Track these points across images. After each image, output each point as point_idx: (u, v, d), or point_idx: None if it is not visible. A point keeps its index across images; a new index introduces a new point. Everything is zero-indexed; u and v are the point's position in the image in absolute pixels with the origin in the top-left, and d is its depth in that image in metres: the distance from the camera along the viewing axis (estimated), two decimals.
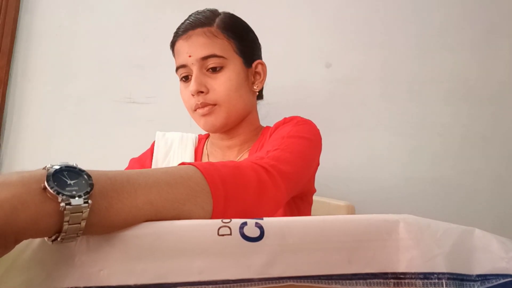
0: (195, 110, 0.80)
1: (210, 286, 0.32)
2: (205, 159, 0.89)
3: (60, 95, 1.37)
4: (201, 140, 0.95)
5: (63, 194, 0.31)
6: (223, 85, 0.77)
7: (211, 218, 0.44)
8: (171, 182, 0.42)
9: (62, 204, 0.31)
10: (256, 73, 0.85)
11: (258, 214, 0.51)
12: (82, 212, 0.32)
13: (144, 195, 0.37)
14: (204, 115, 0.79)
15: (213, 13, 0.81)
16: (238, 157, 0.85)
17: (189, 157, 0.89)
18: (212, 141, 0.90)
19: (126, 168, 0.92)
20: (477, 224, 0.35)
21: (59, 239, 0.32)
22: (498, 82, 1.20)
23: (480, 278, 0.32)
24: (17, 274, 0.32)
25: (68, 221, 0.31)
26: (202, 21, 0.79)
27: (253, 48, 0.85)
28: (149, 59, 1.33)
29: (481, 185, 1.17)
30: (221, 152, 0.87)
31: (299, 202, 0.75)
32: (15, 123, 1.37)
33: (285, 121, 0.79)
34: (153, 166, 0.90)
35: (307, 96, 1.26)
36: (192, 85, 0.77)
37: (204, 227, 0.34)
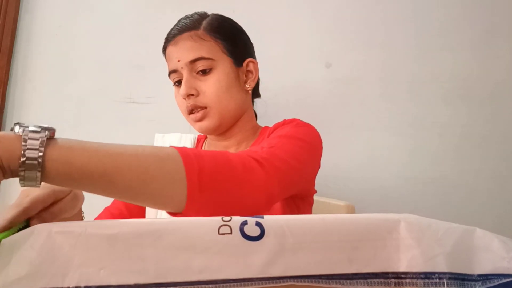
0: (189, 114, 0.81)
1: (210, 286, 0.32)
2: None
3: (60, 95, 1.37)
4: (200, 141, 0.95)
5: (23, 126, 0.38)
6: (212, 87, 0.77)
7: (188, 187, 0.44)
8: (139, 149, 0.45)
9: (20, 129, 0.38)
10: (248, 71, 0.84)
11: (247, 200, 0.51)
12: (38, 139, 0.37)
13: (105, 150, 0.41)
14: (197, 120, 0.80)
15: (201, 16, 0.82)
16: None
17: None
18: (209, 141, 0.91)
19: None
20: (477, 223, 0.35)
21: (20, 164, 0.36)
22: (497, 82, 1.20)
23: (481, 278, 0.32)
24: (17, 273, 0.32)
25: (25, 145, 0.37)
26: (188, 25, 0.80)
27: (243, 47, 0.85)
28: (149, 59, 1.33)
29: (481, 185, 1.17)
30: None
31: (299, 202, 0.75)
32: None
33: (285, 123, 0.79)
34: None
35: (307, 96, 1.26)
36: (182, 88, 0.78)
37: (205, 226, 0.34)
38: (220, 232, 0.34)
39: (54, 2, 1.41)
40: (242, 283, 0.32)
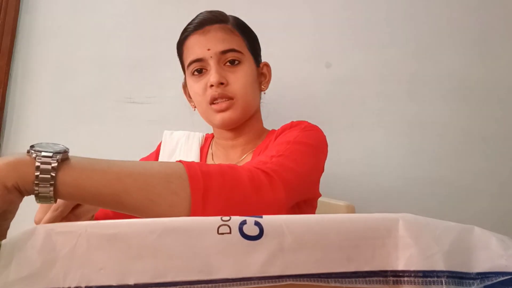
0: (212, 103, 0.80)
1: (210, 285, 0.32)
2: (209, 159, 0.89)
3: (60, 95, 1.37)
4: (207, 139, 0.94)
5: (37, 150, 0.40)
6: (241, 78, 0.79)
7: (191, 206, 0.46)
8: (147, 167, 0.47)
9: (34, 155, 0.40)
10: (262, 74, 0.87)
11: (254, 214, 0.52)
12: (50, 165, 0.40)
13: (115, 172, 0.43)
14: (220, 110, 0.79)
15: (225, 13, 0.84)
16: (242, 158, 0.84)
17: (194, 155, 0.90)
18: (216, 141, 0.90)
19: None
20: (478, 224, 0.35)
21: (35, 188, 0.39)
22: (498, 82, 1.20)
23: (479, 276, 0.32)
24: (18, 273, 0.32)
25: (39, 170, 0.39)
26: (218, 17, 0.81)
27: (259, 49, 0.88)
28: (149, 59, 1.33)
29: (480, 185, 1.17)
30: (224, 152, 0.87)
31: (302, 206, 0.75)
32: (15, 123, 1.37)
33: (292, 125, 0.79)
34: None
35: (307, 96, 1.26)
36: (214, 76, 0.77)
37: (204, 226, 0.34)
38: (220, 231, 0.34)
39: (54, 2, 1.41)
40: (241, 283, 0.32)
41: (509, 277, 0.31)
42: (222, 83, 0.78)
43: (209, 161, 0.89)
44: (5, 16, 1.37)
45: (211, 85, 0.78)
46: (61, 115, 1.36)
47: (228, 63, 0.79)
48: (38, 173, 0.39)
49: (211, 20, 0.80)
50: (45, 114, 1.37)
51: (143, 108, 1.33)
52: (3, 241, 0.34)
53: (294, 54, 1.28)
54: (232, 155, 0.86)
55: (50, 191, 0.40)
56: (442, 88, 1.22)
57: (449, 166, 1.19)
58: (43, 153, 0.40)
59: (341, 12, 1.28)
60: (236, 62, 0.79)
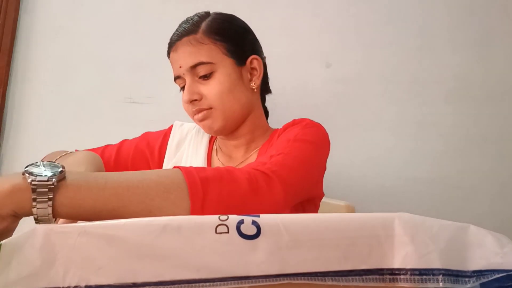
0: (193, 117, 0.81)
1: (208, 284, 0.32)
2: (214, 154, 0.90)
3: (60, 95, 1.37)
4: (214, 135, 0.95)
5: (33, 174, 0.40)
6: (214, 89, 0.77)
7: (190, 214, 0.46)
8: (145, 178, 0.46)
9: (29, 179, 0.40)
10: (252, 69, 0.83)
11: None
12: (47, 188, 0.40)
13: (112, 188, 0.43)
14: (201, 120, 0.80)
15: (200, 18, 0.81)
16: (246, 157, 0.84)
17: (203, 148, 0.90)
18: (220, 140, 0.90)
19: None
20: (478, 224, 0.35)
21: (33, 212, 0.39)
22: (498, 82, 1.20)
23: (475, 274, 0.32)
24: (18, 273, 0.32)
25: (35, 194, 0.39)
26: (187, 29, 0.79)
27: (246, 45, 0.83)
28: (149, 59, 1.34)
29: (481, 185, 1.17)
30: (227, 150, 0.87)
31: (306, 205, 0.74)
32: (15, 123, 1.38)
33: (294, 123, 0.78)
34: (167, 154, 0.90)
35: (307, 96, 1.26)
36: (185, 94, 0.78)
37: (202, 225, 0.34)
38: (217, 231, 0.34)
39: (54, 2, 1.41)
40: (239, 281, 0.32)
41: (505, 274, 0.32)
42: (195, 100, 0.78)
43: (214, 156, 0.89)
44: (5, 16, 1.38)
45: (187, 103, 0.80)
46: (61, 115, 1.36)
47: (201, 77, 0.78)
48: (35, 196, 0.39)
49: (181, 34, 0.79)
50: (45, 114, 1.37)
51: (143, 108, 1.34)
52: (3, 241, 0.34)
53: (294, 54, 1.28)
54: (235, 154, 0.86)
55: (49, 213, 0.40)
56: (442, 88, 1.22)
57: (449, 166, 1.20)
58: (38, 178, 0.40)
59: (342, 12, 1.28)
60: (208, 74, 0.77)
